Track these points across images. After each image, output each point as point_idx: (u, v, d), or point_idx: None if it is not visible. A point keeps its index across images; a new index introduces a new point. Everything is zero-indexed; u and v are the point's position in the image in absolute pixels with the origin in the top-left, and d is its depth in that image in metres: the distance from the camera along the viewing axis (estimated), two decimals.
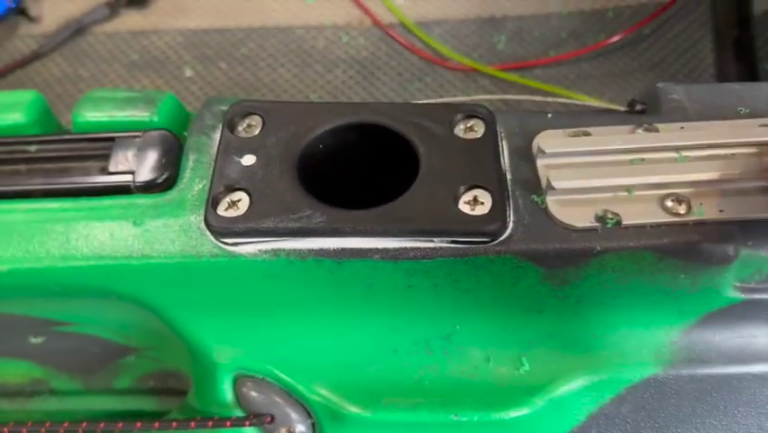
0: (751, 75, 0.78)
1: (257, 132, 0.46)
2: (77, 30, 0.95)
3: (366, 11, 0.92)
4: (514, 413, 0.44)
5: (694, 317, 0.45)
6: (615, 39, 0.86)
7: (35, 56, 0.93)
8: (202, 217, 0.43)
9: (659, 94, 0.50)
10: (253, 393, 0.46)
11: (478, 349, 0.46)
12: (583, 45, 0.85)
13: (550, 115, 0.48)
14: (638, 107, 0.51)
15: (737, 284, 0.44)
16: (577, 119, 0.48)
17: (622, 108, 0.51)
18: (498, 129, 0.46)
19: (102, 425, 0.46)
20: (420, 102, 0.48)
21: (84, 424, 0.47)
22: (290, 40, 0.90)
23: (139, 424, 0.47)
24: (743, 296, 0.44)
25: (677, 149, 0.44)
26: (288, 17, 0.93)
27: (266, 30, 0.91)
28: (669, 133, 0.46)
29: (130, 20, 0.95)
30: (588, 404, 0.46)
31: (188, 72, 0.89)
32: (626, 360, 0.45)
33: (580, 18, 0.89)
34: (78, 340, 0.56)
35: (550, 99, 0.48)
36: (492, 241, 0.42)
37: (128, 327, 0.55)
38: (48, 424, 0.47)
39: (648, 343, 0.45)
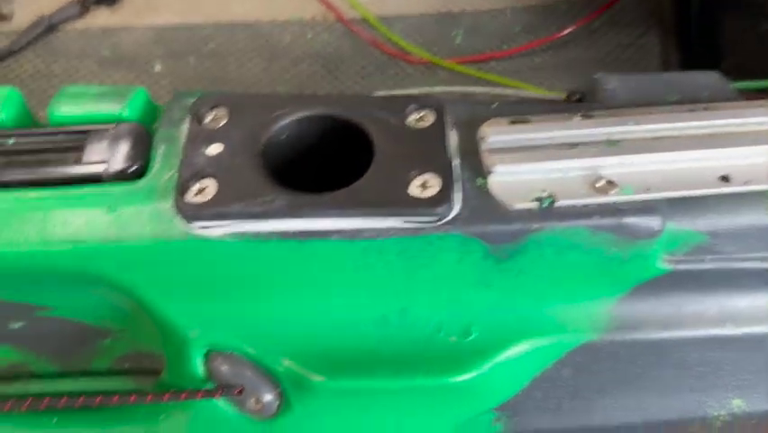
0: (690, 64, 0.83)
1: (223, 123, 0.49)
2: (48, 27, 0.96)
3: (330, 7, 0.95)
4: (463, 377, 0.48)
5: (627, 288, 0.49)
6: (566, 31, 0.90)
7: (7, 53, 0.95)
8: (171, 203, 0.46)
9: (596, 84, 0.54)
10: (224, 367, 0.50)
11: (431, 320, 0.50)
12: (536, 38, 0.89)
13: (495, 105, 0.52)
14: (576, 97, 0.55)
15: (666, 256, 0.48)
16: (519, 108, 0.52)
17: (562, 98, 0.55)
18: (447, 118, 0.50)
19: (81, 399, 0.49)
20: (376, 94, 0.52)
21: (64, 399, 0.49)
22: (257, 35, 0.93)
23: (116, 398, 0.50)
24: (671, 267, 0.48)
25: (608, 134, 0.49)
26: (254, 13, 0.96)
27: (233, 25, 0.94)
28: (602, 120, 0.50)
29: (100, 17, 0.97)
30: (532, 368, 0.51)
31: (158, 67, 0.91)
32: (566, 327, 0.50)
33: (534, 12, 0.93)
34: (57, 324, 0.58)
35: (498, 91, 0.51)
36: (440, 220, 0.46)
37: (104, 310, 0.57)
38: (29, 400, 0.50)
39: (585, 311, 0.50)
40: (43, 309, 0.56)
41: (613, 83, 0.54)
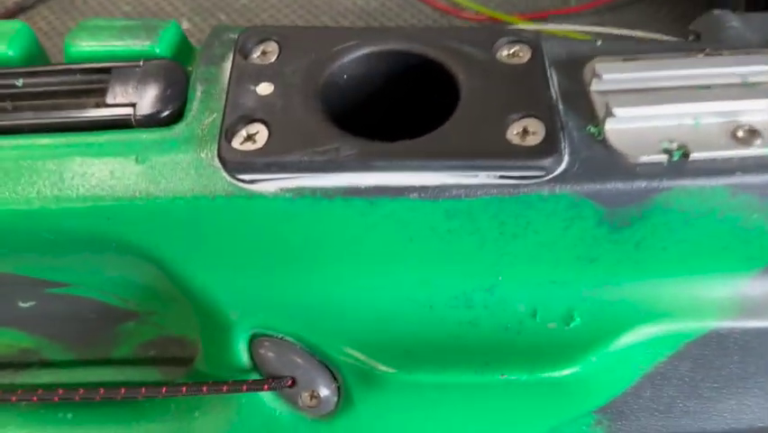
0: None
1: (273, 59, 0.41)
2: None
3: None
4: (560, 373, 0.40)
5: (765, 262, 0.41)
6: None
7: (19, 9, 0.89)
8: (214, 153, 0.38)
9: (716, 21, 0.46)
10: (271, 354, 0.42)
11: (523, 302, 0.42)
12: None
13: (599, 42, 0.44)
14: (692, 37, 0.47)
15: None
16: (630, 46, 0.44)
17: (674, 39, 0.47)
18: (545, 54, 0.42)
19: (102, 391, 0.42)
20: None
21: (81, 391, 0.42)
22: None
23: (144, 390, 0.42)
24: None
25: (744, 75, 0.40)
26: None
27: None
28: (732, 58, 0.41)
29: None
30: (643, 362, 0.42)
31: (185, 24, 0.85)
32: (687, 312, 0.41)
33: None
34: (73, 304, 0.51)
35: (598, 29, 0.43)
36: (546, 175, 0.37)
37: (128, 287, 0.50)
38: (39, 391, 0.43)
39: (712, 292, 0.41)
40: (56, 286, 0.49)
41: (736, 21, 0.46)
